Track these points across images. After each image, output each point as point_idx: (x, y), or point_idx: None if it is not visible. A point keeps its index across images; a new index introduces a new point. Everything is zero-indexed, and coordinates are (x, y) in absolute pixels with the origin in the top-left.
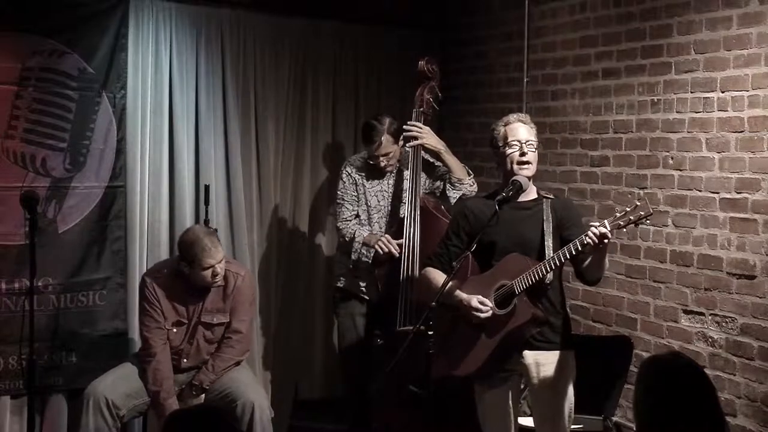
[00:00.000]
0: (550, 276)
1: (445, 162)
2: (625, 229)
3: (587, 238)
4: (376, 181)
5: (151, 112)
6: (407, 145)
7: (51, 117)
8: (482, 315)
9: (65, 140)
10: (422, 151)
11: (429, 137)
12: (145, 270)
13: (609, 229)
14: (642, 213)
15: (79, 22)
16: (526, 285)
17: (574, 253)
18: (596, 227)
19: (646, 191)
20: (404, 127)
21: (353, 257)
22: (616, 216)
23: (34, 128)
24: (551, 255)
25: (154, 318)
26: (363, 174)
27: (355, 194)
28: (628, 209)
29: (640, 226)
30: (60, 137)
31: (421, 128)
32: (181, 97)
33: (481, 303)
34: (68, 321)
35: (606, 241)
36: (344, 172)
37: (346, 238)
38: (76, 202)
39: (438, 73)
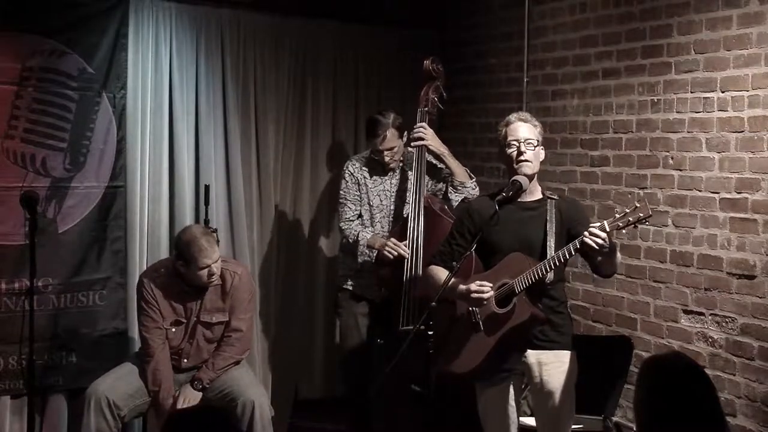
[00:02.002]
0: (550, 276)
1: (447, 165)
2: (624, 230)
3: (584, 239)
4: (378, 179)
5: (151, 112)
6: (411, 145)
7: (51, 117)
8: (485, 296)
9: (65, 140)
10: (426, 153)
11: (433, 139)
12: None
13: (608, 230)
14: (641, 214)
15: (79, 22)
16: (526, 284)
17: (573, 253)
18: (595, 228)
19: (646, 191)
20: (414, 129)
21: (359, 260)
22: (615, 217)
23: (34, 128)
24: (552, 255)
25: (152, 318)
26: (366, 171)
27: (358, 194)
28: (627, 210)
29: (639, 227)
30: (60, 137)
31: (425, 129)
32: (181, 97)
33: (481, 284)
34: (68, 321)
35: (601, 242)
36: (346, 171)
37: (350, 240)
38: (76, 202)
39: (443, 73)
